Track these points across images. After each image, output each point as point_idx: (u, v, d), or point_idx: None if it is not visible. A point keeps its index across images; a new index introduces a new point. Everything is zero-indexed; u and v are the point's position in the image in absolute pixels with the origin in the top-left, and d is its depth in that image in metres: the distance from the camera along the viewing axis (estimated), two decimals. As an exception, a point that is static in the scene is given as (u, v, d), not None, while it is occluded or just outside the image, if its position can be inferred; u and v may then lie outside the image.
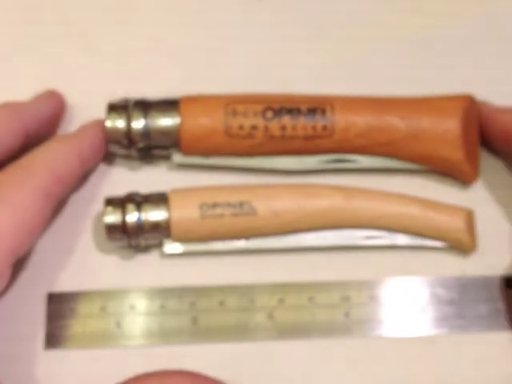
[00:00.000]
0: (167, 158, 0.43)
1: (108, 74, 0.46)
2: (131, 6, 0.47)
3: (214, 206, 0.40)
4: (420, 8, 0.48)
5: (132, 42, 0.46)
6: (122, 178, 0.44)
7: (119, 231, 0.40)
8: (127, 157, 0.44)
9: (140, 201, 0.40)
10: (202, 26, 0.47)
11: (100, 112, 0.42)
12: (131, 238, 0.40)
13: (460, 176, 0.43)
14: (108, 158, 0.44)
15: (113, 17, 0.47)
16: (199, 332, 0.41)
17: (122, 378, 0.40)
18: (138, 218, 0.40)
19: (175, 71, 0.46)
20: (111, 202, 0.40)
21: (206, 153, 0.42)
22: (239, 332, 0.41)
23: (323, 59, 0.46)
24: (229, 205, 0.40)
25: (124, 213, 0.40)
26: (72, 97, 0.45)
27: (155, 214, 0.40)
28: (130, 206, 0.40)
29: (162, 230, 0.40)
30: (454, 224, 0.42)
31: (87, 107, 0.44)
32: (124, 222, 0.40)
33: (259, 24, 0.47)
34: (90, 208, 0.43)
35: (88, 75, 0.46)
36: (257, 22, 0.47)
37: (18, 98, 0.45)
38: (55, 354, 0.41)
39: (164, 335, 0.41)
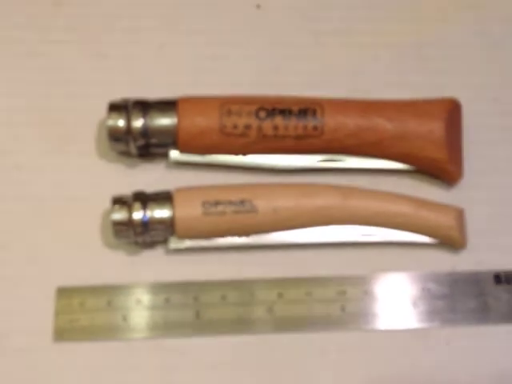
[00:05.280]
0: (165, 156, 0.44)
1: (114, 79, 0.47)
2: (136, 13, 0.49)
3: (216, 204, 0.42)
4: (410, 15, 0.49)
5: (137, 49, 0.48)
6: (122, 175, 0.45)
7: (126, 228, 0.41)
8: (127, 155, 0.45)
9: (146, 199, 0.42)
10: (203, 33, 0.48)
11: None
12: (137, 235, 0.42)
13: (445, 175, 0.45)
14: (108, 156, 0.45)
15: (119, 24, 0.48)
16: (202, 325, 0.42)
17: (128, 370, 0.41)
18: (144, 216, 0.41)
19: (178, 77, 0.47)
20: (118, 201, 0.42)
21: (202, 151, 0.44)
22: (240, 325, 0.42)
23: (318, 65, 0.48)
24: (230, 203, 0.42)
25: (130, 211, 0.41)
26: (79, 101, 0.46)
27: (160, 212, 0.41)
28: (137, 204, 0.41)
29: (166, 227, 0.42)
30: (445, 222, 0.43)
31: (94, 111, 0.46)
32: (130, 219, 0.41)
33: (258, 31, 0.49)
34: (95, 205, 0.44)
35: (95, 80, 0.47)
36: (255, 29, 0.49)
37: (27, 103, 0.46)
38: (64, 346, 0.42)
39: (168, 328, 0.42)
